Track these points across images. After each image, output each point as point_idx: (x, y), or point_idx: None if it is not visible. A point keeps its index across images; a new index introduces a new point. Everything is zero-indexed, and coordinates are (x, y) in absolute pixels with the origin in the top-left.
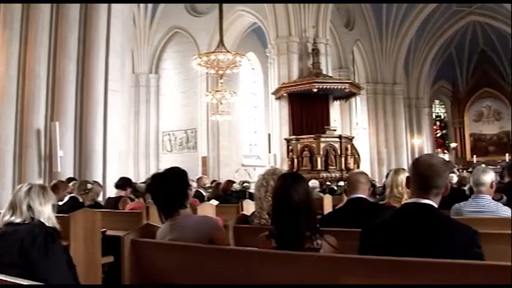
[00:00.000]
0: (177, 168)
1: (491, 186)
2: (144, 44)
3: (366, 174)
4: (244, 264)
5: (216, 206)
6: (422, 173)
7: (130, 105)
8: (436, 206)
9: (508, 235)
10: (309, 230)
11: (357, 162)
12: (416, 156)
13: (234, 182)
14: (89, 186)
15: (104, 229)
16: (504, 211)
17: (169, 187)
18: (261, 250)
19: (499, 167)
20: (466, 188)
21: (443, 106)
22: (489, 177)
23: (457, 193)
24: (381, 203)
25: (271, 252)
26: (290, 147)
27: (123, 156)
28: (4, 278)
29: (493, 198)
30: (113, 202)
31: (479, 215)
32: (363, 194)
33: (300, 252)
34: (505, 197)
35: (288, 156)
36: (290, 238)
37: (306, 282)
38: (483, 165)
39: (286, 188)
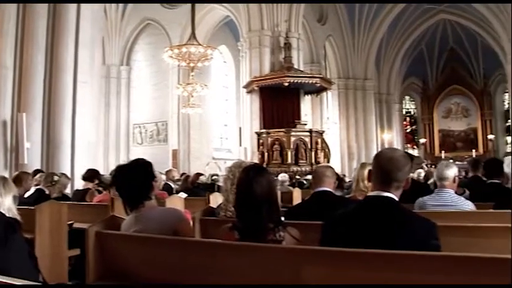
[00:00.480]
0: (142, 159)
1: (454, 181)
2: (115, 35)
3: (332, 168)
4: (208, 256)
5: (185, 198)
6: (383, 167)
7: (100, 97)
8: (396, 199)
9: (466, 227)
10: (271, 222)
11: (327, 156)
12: None
13: (202, 175)
14: (56, 178)
15: (71, 221)
16: (466, 205)
17: (134, 179)
18: (223, 242)
19: (465, 162)
20: (430, 182)
21: (413, 102)
22: (452, 172)
23: (422, 187)
24: (347, 196)
25: (233, 243)
26: (261, 141)
27: (92, 148)
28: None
29: (455, 193)
30: (80, 194)
31: (442, 209)
32: (328, 187)
33: (262, 243)
34: (467, 191)
35: (258, 150)
36: (252, 230)
37: (268, 273)
38: (450, 161)
39: (248, 180)
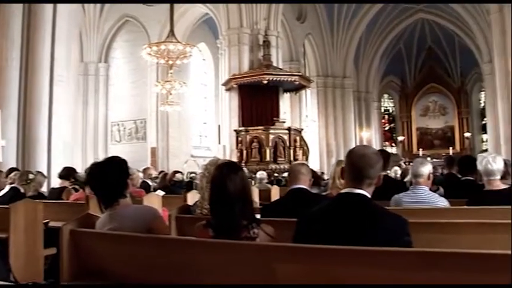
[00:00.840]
0: (117, 157)
1: (429, 178)
2: (93, 32)
3: (307, 166)
4: (182, 253)
5: (163, 196)
6: (356, 164)
7: (78, 95)
8: (369, 195)
9: (439, 224)
10: (245, 219)
11: (306, 154)
12: None
13: (179, 173)
14: (31, 176)
15: (47, 220)
16: (440, 202)
17: (109, 176)
18: (197, 239)
19: (442, 160)
20: (406, 179)
21: (391, 100)
22: (427, 169)
23: (398, 184)
24: (323, 193)
25: (207, 241)
26: (239, 139)
27: (69, 146)
28: None
29: (430, 189)
30: (56, 193)
31: (417, 205)
32: (303, 184)
33: (236, 241)
34: (441, 189)
35: (237, 148)
36: (226, 227)
37: (242, 270)
38: (427, 158)
39: (222, 178)
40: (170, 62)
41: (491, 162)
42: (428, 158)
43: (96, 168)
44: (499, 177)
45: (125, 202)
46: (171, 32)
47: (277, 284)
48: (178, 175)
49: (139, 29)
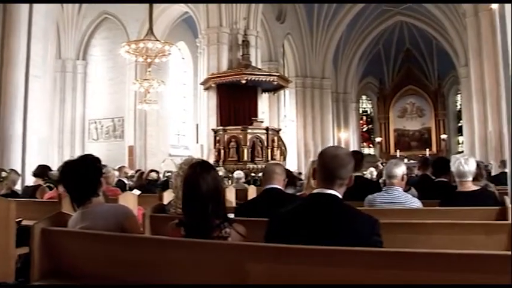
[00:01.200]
0: (90, 155)
1: (403, 179)
2: (71, 29)
3: (282, 166)
4: (154, 252)
5: (139, 195)
6: (327, 164)
7: (55, 92)
8: (340, 196)
9: (412, 224)
10: (217, 218)
11: (284, 154)
12: None
13: (154, 171)
14: (4, 174)
15: (20, 219)
16: (413, 202)
17: (81, 175)
18: (169, 238)
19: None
20: (381, 180)
21: (370, 101)
22: (400, 170)
23: (373, 185)
24: (298, 194)
25: (179, 240)
26: (217, 138)
27: (45, 144)
28: None
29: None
30: (30, 191)
31: (391, 206)
32: (278, 184)
33: (208, 240)
34: (413, 189)
35: (215, 147)
36: (198, 226)
37: (213, 269)
38: (404, 159)
39: (195, 177)
40: (149, 60)
41: (463, 164)
42: (405, 160)
43: (68, 167)
44: (470, 178)
45: (97, 201)
46: (150, 30)
47: (248, 283)
48: (152, 174)
49: (118, 27)
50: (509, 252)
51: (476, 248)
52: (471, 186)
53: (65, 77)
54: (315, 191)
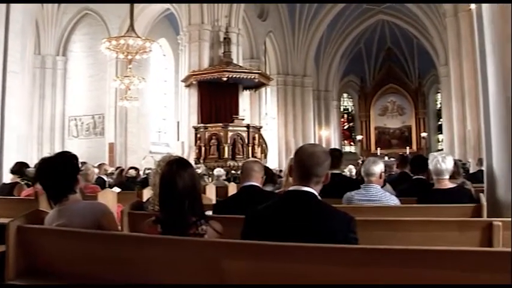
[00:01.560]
0: (67, 152)
1: (381, 177)
2: (51, 25)
3: (260, 163)
4: (131, 249)
5: (119, 193)
6: (304, 162)
7: (34, 88)
8: (316, 193)
9: (388, 221)
10: (194, 215)
11: (264, 151)
12: (324, 146)
13: (133, 169)
14: None
15: None
16: (391, 200)
17: (58, 172)
18: (146, 235)
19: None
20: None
21: (351, 100)
22: (379, 168)
23: (352, 182)
24: (277, 191)
25: (155, 237)
26: (198, 136)
27: (23, 141)
28: None
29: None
30: (8, 188)
31: (368, 203)
32: (255, 182)
33: (184, 237)
34: (388, 185)
35: (195, 145)
36: (175, 223)
37: (189, 266)
38: (385, 157)
39: (171, 174)
40: (129, 57)
41: (441, 162)
42: (386, 157)
43: (45, 164)
44: (447, 176)
45: (74, 198)
46: (131, 27)
47: (225, 280)
48: (131, 171)
49: (99, 23)
50: (486, 249)
51: (451, 244)
52: (448, 184)
53: (44, 73)
54: (292, 188)
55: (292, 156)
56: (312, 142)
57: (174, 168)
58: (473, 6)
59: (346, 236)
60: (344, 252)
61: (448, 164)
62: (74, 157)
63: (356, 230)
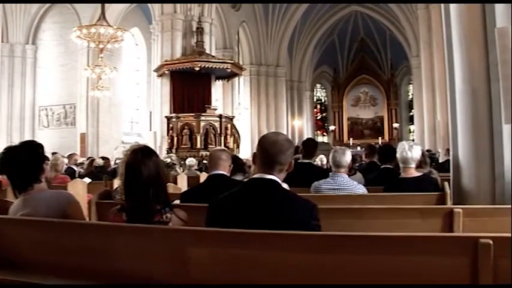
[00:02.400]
0: (32, 141)
1: (349, 166)
2: (19, 12)
3: (228, 152)
4: (96, 238)
5: (89, 183)
6: (267, 150)
7: (3, 77)
8: (279, 181)
9: (353, 209)
10: (158, 203)
11: (237, 141)
12: (297, 137)
13: (103, 158)
14: None
15: None
16: (358, 188)
17: (23, 161)
18: (110, 223)
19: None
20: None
21: (324, 90)
22: (347, 157)
23: (322, 172)
24: (246, 180)
25: (119, 225)
26: (170, 125)
27: None
28: None
29: (348, 176)
30: None
31: (336, 192)
32: (223, 170)
33: (147, 225)
34: (358, 173)
35: (168, 134)
36: (140, 212)
37: (154, 254)
38: (358, 147)
39: (136, 162)
40: (101, 46)
41: (407, 151)
42: (358, 148)
43: (9, 153)
44: (414, 165)
45: (40, 187)
46: (102, 15)
47: (189, 267)
48: (98, 160)
49: (69, 11)
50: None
51: (414, 231)
52: (414, 173)
53: (13, 61)
54: (255, 176)
55: None
56: (284, 132)
57: (138, 157)
58: None
59: (309, 223)
60: (306, 239)
61: (414, 153)
62: (39, 146)
63: (319, 217)
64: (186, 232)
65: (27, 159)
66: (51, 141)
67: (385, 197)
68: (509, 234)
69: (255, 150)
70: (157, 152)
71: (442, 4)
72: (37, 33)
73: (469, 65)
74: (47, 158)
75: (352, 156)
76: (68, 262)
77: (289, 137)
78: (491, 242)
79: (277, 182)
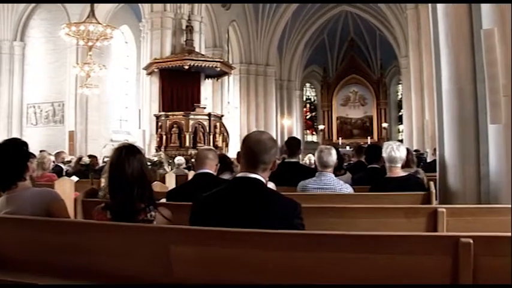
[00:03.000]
0: (17, 139)
1: (335, 165)
2: (7, 8)
3: (214, 151)
4: (80, 236)
5: (76, 181)
6: (251, 149)
7: None
8: (263, 180)
9: (337, 208)
10: (143, 202)
11: (226, 140)
12: (286, 136)
13: (91, 156)
14: None
15: None
16: (344, 188)
17: (6, 158)
18: (94, 222)
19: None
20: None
21: (313, 89)
22: (334, 157)
23: (309, 171)
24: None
25: (103, 223)
26: (159, 124)
27: None
28: None
29: (337, 174)
30: None
31: (322, 191)
32: (209, 169)
33: (132, 223)
34: (348, 173)
35: (157, 133)
36: (124, 210)
37: (137, 252)
38: (347, 147)
39: (120, 160)
40: (90, 44)
41: (394, 150)
42: (347, 147)
43: None
44: (399, 165)
45: (24, 185)
46: (92, 13)
47: (173, 265)
48: (84, 158)
49: (58, 8)
50: (428, 233)
51: (398, 230)
52: (399, 172)
53: (0, 58)
54: (239, 175)
55: None
56: (274, 131)
57: (123, 155)
58: None
59: (293, 221)
60: (289, 238)
61: (401, 153)
62: (24, 144)
63: (302, 216)
64: (170, 230)
65: (11, 157)
66: (39, 139)
67: (371, 196)
68: (490, 234)
69: (239, 150)
70: (146, 151)
71: (430, 4)
72: (25, 30)
73: (455, 65)
74: (31, 156)
75: (341, 155)
76: (52, 260)
77: (279, 136)
78: (471, 241)
79: (261, 181)
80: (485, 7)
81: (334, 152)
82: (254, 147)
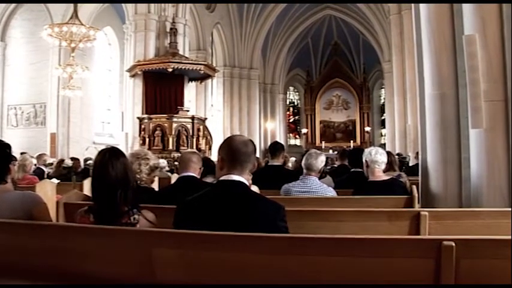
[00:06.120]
0: (1, 141)
1: (320, 170)
2: None
3: (198, 154)
4: (62, 239)
5: (58, 184)
6: (239, 150)
7: None
8: (246, 182)
9: (319, 211)
10: (126, 205)
11: (209, 143)
12: (269, 139)
13: (73, 159)
14: None
15: None
16: (327, 191)
17: None
18: (76, 225)
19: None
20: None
21: (297, 93)
22: (320, 161)
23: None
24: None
25: (86, 226)
26: (142, 126)
27: None
28: None
29: (319, 178)
30: None
31: (306, 195)
32: (193, 172)
33: (115, 226)
34: (328, 176)
35: (140, 135)
36: (107, 213)
37: (120, 255)
38: (330, 150)
39: (104, 163)
40: (73, 45)
41: (374, 155)
42: (331, 151)
43: None
44: (381, 169)
45: (5, 188)
46: (75, 14)
47: (156, 269)
48: (66, 161)
49: (40, 8)
50: (410, 236)
51: (381, 233)
52: (382, 176)
53: None
54: (222, 177)
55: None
56: (257, 134)
57: (106, 158)
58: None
59: (276, 224)
60: (273, 241)
61: (381, 157)
62: (6, 146)
63: (286, 219)
64: (153, 234)
65: None
66: (20, 141)
67: (354, 199)
68: (472, 236)
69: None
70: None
71: (413, 10)
72: (6, 30)
73: (438, 71)
74: (14, 158)
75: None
76: (34, 264)
77: (262, 139)
78: (453, 244)
79: (244, 183)
80: (467, 13)
81: (322, 157)
82: (242, 148)
